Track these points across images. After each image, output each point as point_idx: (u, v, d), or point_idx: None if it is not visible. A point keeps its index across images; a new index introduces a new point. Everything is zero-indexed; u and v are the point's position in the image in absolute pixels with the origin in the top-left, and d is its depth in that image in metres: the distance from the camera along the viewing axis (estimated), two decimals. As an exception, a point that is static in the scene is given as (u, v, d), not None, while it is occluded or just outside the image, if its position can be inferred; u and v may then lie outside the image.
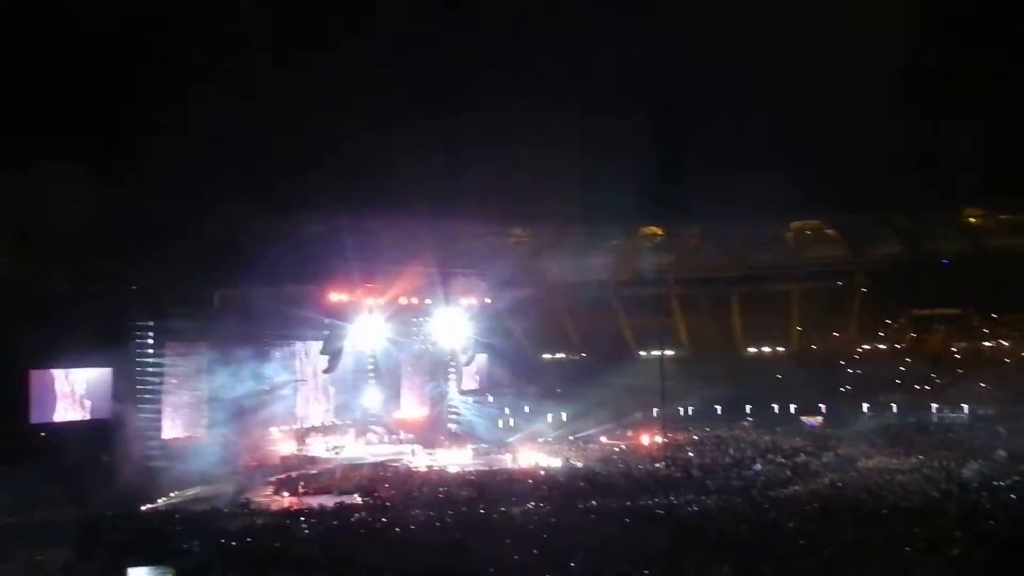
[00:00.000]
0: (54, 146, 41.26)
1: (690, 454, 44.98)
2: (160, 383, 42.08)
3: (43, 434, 39.29)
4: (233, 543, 24.59)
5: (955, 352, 64.85)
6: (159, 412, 41.90)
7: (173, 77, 46.19)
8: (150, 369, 41.63)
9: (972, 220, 61.90)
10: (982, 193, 56.65)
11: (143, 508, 33.56)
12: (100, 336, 38.96)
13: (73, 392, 40.65)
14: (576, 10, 52.24)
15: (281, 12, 48.57)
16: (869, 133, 55.40)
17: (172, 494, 36.40)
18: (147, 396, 41.21)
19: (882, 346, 68.07)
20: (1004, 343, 64.53)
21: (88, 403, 40.81)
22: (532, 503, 31.40)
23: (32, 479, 33.04)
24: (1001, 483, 33.46)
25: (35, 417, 39.32)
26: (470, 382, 59.92)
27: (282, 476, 40.84)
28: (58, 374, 40.36)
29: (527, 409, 59.20)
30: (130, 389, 40.77)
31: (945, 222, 62.39)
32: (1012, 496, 30.66)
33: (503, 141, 48.42)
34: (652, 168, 53.74)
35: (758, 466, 39.94)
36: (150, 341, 41.81)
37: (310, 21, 49.81)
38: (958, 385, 59.17)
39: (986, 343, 65.11)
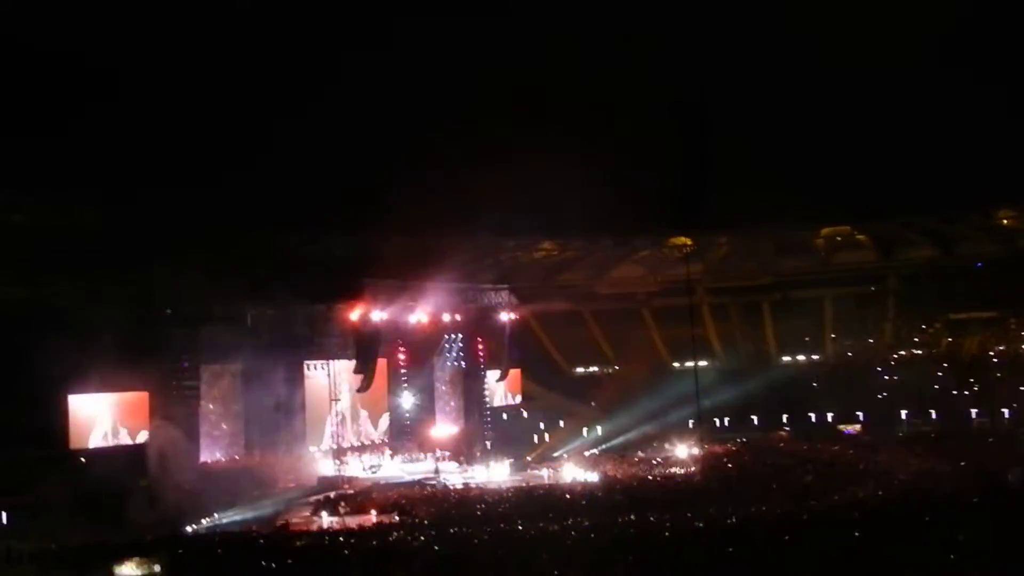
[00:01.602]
0: (84, 168, 41.70)
1: (728, 464, 44.69)
2: (196, 405, 42.39)
3: (82, 459, 39.61)
4: (273, 565, 24.60)
5: (992, 356, 64.05)
6: (196, 434, 42.15)
7: (204, 96, 46.63)
8: (186, 392, 41.93)
9: (1005, 222, 61.21)
10: (1014, 193, 55.92)
11: (182, 531, 33.66)
12: (136, 360, 39.38)
13: (110, 417, 40.98)
14: (605, 17, 52.19)
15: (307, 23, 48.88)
16: (897, 136, 55.03)
17: (211, 517, 36.51)
18: (184, 419, 41.46)
19: (918, 351, 67.36)
20: (1042, 345, 63.78)
21: (125, 428, 41.13)
22: (570, 518, 31.24)
23: (71, 504, 33.33)
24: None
25: (74, 442, 39.66)
26: (504, 397, 59.89)
27: (319, 496, 40.87)
28: (95, 399, 40.69)
29: (562, 423, 59.06)
30: (167, 412, 41.03)
31: (977, 224, 61.75)
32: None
33: (532, 154, 48.34)
34: (681, 177, 53.60)
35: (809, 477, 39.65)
36: (185, 364, 42.11)
37: (339, 30, 50.09)
38: (997, 389, 58.47)
39: (1024, 346, 64.37)
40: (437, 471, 47.59)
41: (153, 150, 44.67)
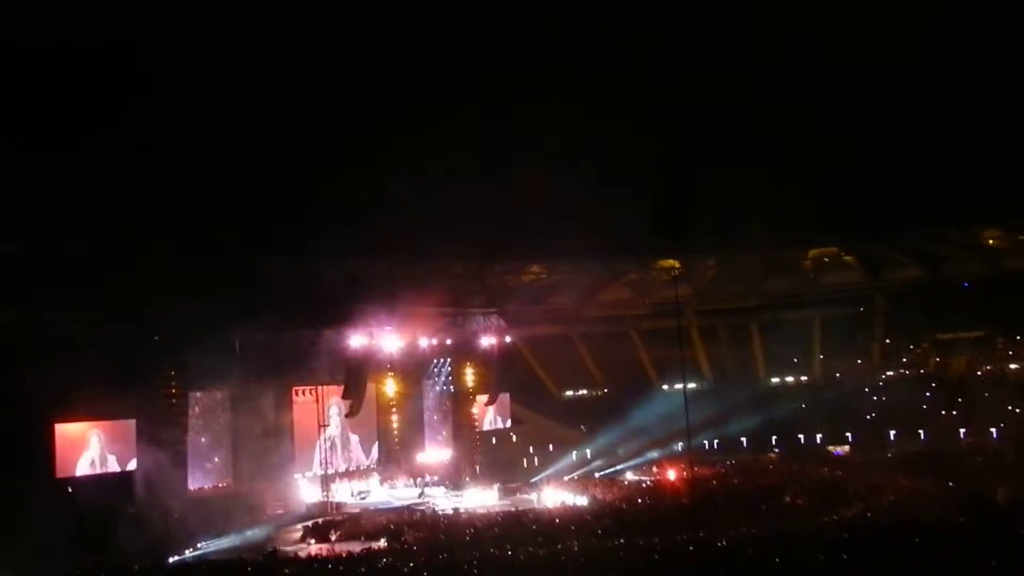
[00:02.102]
0: (66, 190, 41.58)
1: (717, 487, 44.69)
2: (184, 432, 42.23)
3: (68, 488, 39.39)
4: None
5: (980, 375, 64.31)
6: (184, 462, 41.99)
7: (187, 119, 46.59)
8: (174, 418, 41.78)
9: (991, 241, 61.52)
10: (1000, 213, 56.20)
11: (171, 560, 33.48)
12: (123, 387, 39.16)
13: (97, 445, 40.80)
14: (587, 40, 52.36)
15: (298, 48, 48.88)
16: (883, 155, 55.26)
17: (199, 544, 36.33)
18: (171, 446, 41.30)
19: (906, 371, 67.60)
20: (1029, 364, 64.09)
21: (113, 455, 40.95)
22: (559, 543, 31.19)
23: (57, 532, 33.08)
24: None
25: (60, 471, 39.46)
26: (493, 421, 59.81)
27: (308, 523, 40.72)
28: (82, 427, 40.52)
29: (551, 447, 58.99)
30: (154, 439, 40.87)
31: (963, 244, 62.05)
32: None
33: (517, 178, 48.44)
34: (667, 199, 53.70)
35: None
36: (172, 390, 42.00)
37: (329, 58, 50.10)
38: (985, 408, 58.64)
39: (1012, 365, 64.54)
40: (422, 495, 47.48)
41: (140, 173, 44.56)
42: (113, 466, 41.00)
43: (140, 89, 44.78)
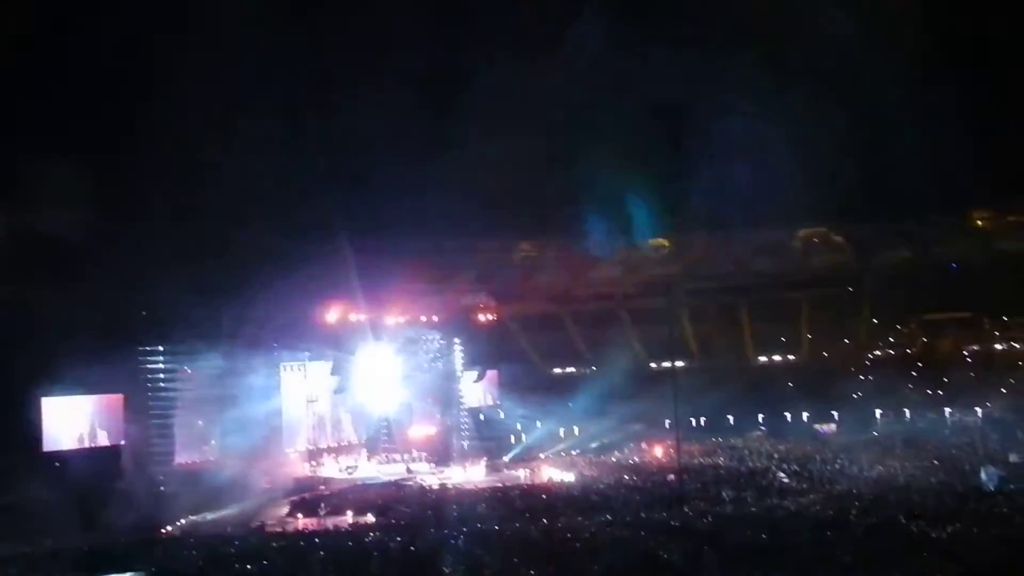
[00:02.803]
0: (58, 172, 41.41)
1: (704, 464, 44.86)
2: (172, 407, 42.19)
3: (56, 463, 39.32)
4: (248, 566, 24.55)
5: (967, 356, 64.57)
6: (172, 436, 41.97)
7: (177, 101, 46.39)
8: (161, 393, 41.75)
9: (979, 223, 61.71)
10: (989, 195, 56.39)
11: (157, 533, 33.50)
12: (111, 362, 39.05)
13: (85, 419, 40.73)
14: (578, 22, 52.25)
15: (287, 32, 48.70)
16: (873, 137, 55.37)
17: (186, 518, 36.36)
18: (159, 420, 41.32)
19: (893, 352, 67.83)
20: (1016, 345, 64.23)
21: (101, 429, 40.88)
22: (546, 519, 31.30)
23: (45, 507, 33.11)
24: (1017, 486, 33.30)
25: (48, 445, 39.39)
26: (481, 398, 59.85)
27: (296, 498, 40.77)
28: (70, 401, 40.43)
29: (539, 424, 59.04)
30: (142, 414, 40.87)
31: (952, 226, 62.23)
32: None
33: (509, 156, 48.43)
34: (658, 179, 53.86)
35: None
36: (160, 365, 41.94)
37: (315, 40, 49.93)
38: (971, 389, 58.87)
39: (998, 346, 64.82)
40: (408, 471, 47.50)
41: (128, 151, 44.44)
42: (101, 440, 40.92)
43: (125, 70, 44.71)
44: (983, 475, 34.81)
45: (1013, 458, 40.24)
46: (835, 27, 51.00)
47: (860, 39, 51.62)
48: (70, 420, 40.44)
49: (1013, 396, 57.00)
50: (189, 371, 43.90)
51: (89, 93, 44.53)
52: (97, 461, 39.37)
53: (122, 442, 40.83)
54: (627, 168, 53.64)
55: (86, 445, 40.50)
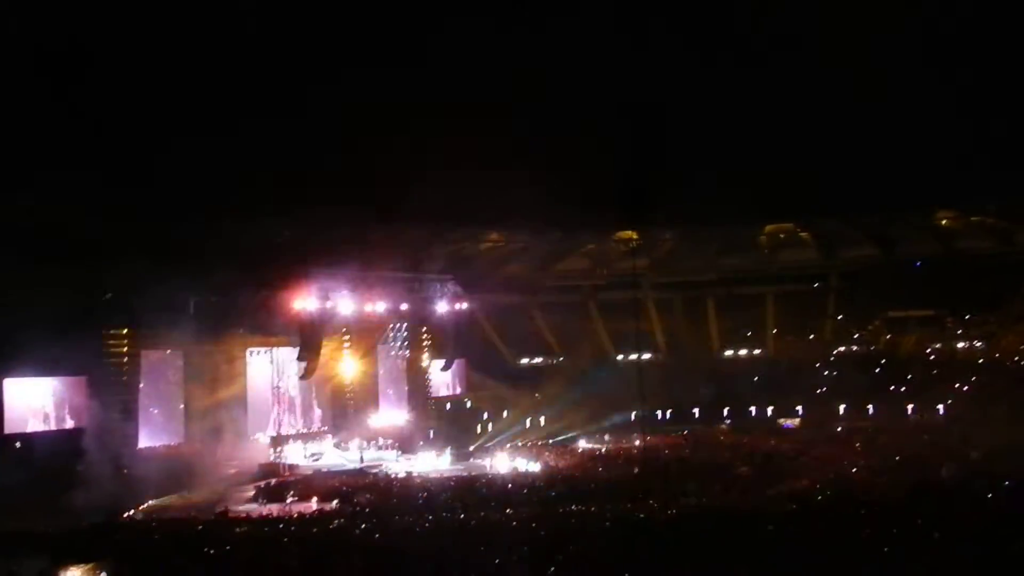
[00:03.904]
0: (23, 154, 40.99)
1: (669, 457, 45.10)
2: (135, 391, 41.93)
3: (17, 444, 38.99)
4: (211, 551, 24.44)
5: (929, 353, 65.26)
6: (135, 419, 41.72)
7: (144, 79, 46.07)
8: (125, 377, 41.44)
9: (943, 222, 62.35)
10: (953, 195, 56.88)
11: (119, 517, 33.31)
12: (74, 344, 38.77)
13: (48, 400, 40.39)
14: (553, 16, 52.27)
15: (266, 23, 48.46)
16: (841, 135, 55.73)
17: (149, 502, 36.18)
18: (122, 404, 41.02)
19: (857, 348, 68.43)
20: (977, 344, 64.99)
21: (63, 411, 40.56)
22: (511, 508, 31.38)
23: (6, 489, 32.79)
24: (976, 482, 33.71)
25: (9, 427, 39.05)
26: (448, 387, 59.93)
27: (260, 483, 40.65)
28: (32, 383, 40.08)
29: (505, 414, 59.21)
30: (105, 397, 40.55)
31: (917, 224, 62.80)
32: (988, 495, 30.87)
33: (476, 145, 48.34)
34: (626, 172, 53.98)
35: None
36: (124, 348, 41.63)
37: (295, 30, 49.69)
38: (932, 386, 59.54)
39: (959, 344, 65.55)
40: (362, 460, 47.36)
41: (92, 133, 43.99)
42: (64, 423, 40.60)
43: (101, 54, 44.34)
44: (944, 471, 35.26)
45: (974, 455, 40.72)
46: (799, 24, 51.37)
47: (828, 36, 51.92)
48: (32, 402, 40.10)
49: (974, 393, 57.75)
50: (153, 355, 43.64)
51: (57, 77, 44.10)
52: (59, 443, 39.06)
53: (84, 425, 40.49)
54: (597, 159, 53.73)
55: (49, 427, 40.18)
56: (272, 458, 46.42)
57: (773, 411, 59.36)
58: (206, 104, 47.43)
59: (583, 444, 52.45)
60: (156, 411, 43.85)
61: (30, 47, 42.50)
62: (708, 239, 66.62)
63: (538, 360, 70.23)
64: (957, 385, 59.36)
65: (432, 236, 59.94)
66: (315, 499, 36.32)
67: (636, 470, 40.86)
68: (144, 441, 42.37)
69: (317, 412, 52.63)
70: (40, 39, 42.84)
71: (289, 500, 36.73)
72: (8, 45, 41.67)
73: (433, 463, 46.78)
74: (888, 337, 67.64)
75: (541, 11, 51.73)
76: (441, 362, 57.27)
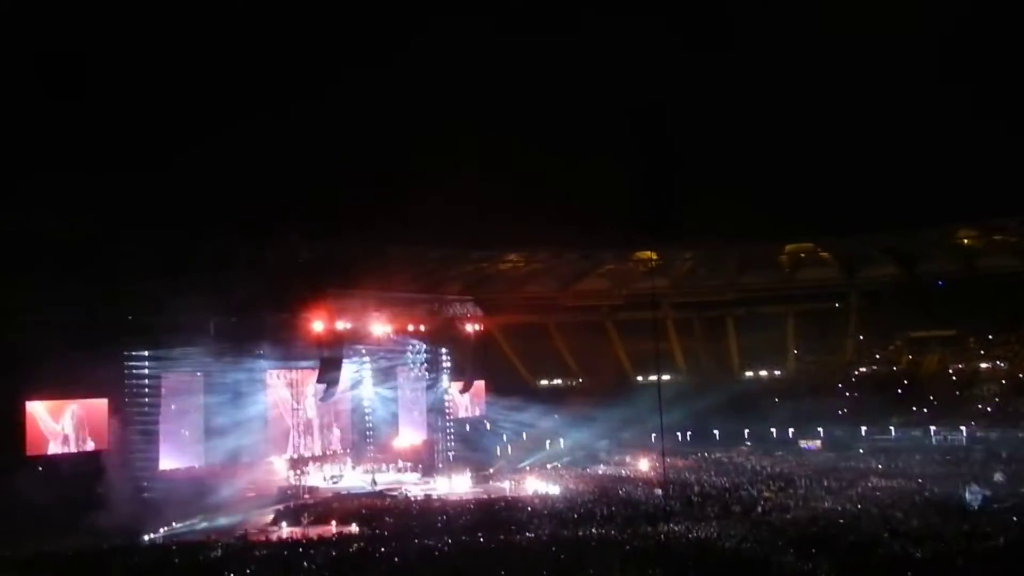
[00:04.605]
0: (45, 173, 41.22)
1: (689, 479, 44.86)
2: (156, 413, 41.98)
3: (39, 467, 39.11)
4: (231, 574, 24.44)
5: (952, 374, 64.81)
6: (156, 441, 41.78)
7: (167, 96, 46.33)
8: (146, 399, 41.54)
9: (965, 241, 61.96)
10: (975, 213, 56.55)
11: (140, 540, 33.36)
12: (96, 367, 38.85)
13: (69, 423, 40.51)
14: (567, 37, 52.39)
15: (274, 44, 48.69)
16: (862, 154, 55.57)
17: (169, 525, 36.20)
18: (143, 426, 41.10)
19: (878, 368, 68.03)
20: (1000, 364, 64.48)
21: (84, 434, 40.67)
22: (531, 531, 31.26)
23: (27, 512, 32.88)
24: (1000, 505, 33.42)
25: (31, 449, 39.18)
26: (467, 409, 59.82)
27: (280, 506, 40.65)
28: (54, 405, 40.23)
29: (524, 436, 59.08)
30: (126, 419, 40.65)
31: (938, 243, 62.44)
32: (1013, 518, 30.59)
33: (498, 167, 48.45)
34: (646, 192, 53.96)
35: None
36: (146, 371, 41.75)
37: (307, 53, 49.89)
38: (955, 407, 59.17)
39: (982, 364, 65.05)
40: (374, 483, 47.21)
41: (116, 152, 44.23)
42: (85, 444, 40.71)
43: (121, 70, 44.63)
44: (967, 494, 34.94)
45: (997, 477, 40.40)
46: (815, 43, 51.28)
47: (843, 55, 51.85)
48: (54, 424, 40.23)
49: (997, 414, 57.33)
50: (174, 377, 43.76)
51: (74, 92, 44.35)
52: (80, 466, 39.14)
53: (106, 447, 40.59)
54: (617, 180, 53.76)
55: (70, 449, 40.30)
56: (292, 480, 46.40)
57: (794, 432, 59.03)
58: (230, 125, 47.61)
59: (602, 466, 52.27)
60: (176, 433, 43.87)
61: (60, 63, 42.77)
62: (727, 258, 66.48)
63: (557, 381, 70.17)
64: (980, 406, 58.94)
65: (453, 257, 60.12)
66: (335, 522, 36.29)
67: (657, 492, 40.62)
68: (164, 463, 42.45)
69: (336, 434, 52.61)
70: (73, 56, 43.14)
71: (309, 523, 36.70)
72: (36, 63, 42.03)
73: (452, 485, 46.69)
74: (910, 357, 67.28)
75: (563, 29, 51.77)
76: (460, 383, 57.23)
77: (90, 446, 40.78)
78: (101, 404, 41.28)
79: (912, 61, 51.05)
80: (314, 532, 34.08)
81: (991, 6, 48.32)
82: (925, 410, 59.93)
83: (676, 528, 31.02)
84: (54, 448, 40.01)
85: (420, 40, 50.39)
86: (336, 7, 48.32)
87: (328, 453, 51.57)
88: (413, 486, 46.63)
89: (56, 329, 37.48)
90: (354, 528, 34.67)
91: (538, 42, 51.78)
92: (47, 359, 36.54)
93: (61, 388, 39.67)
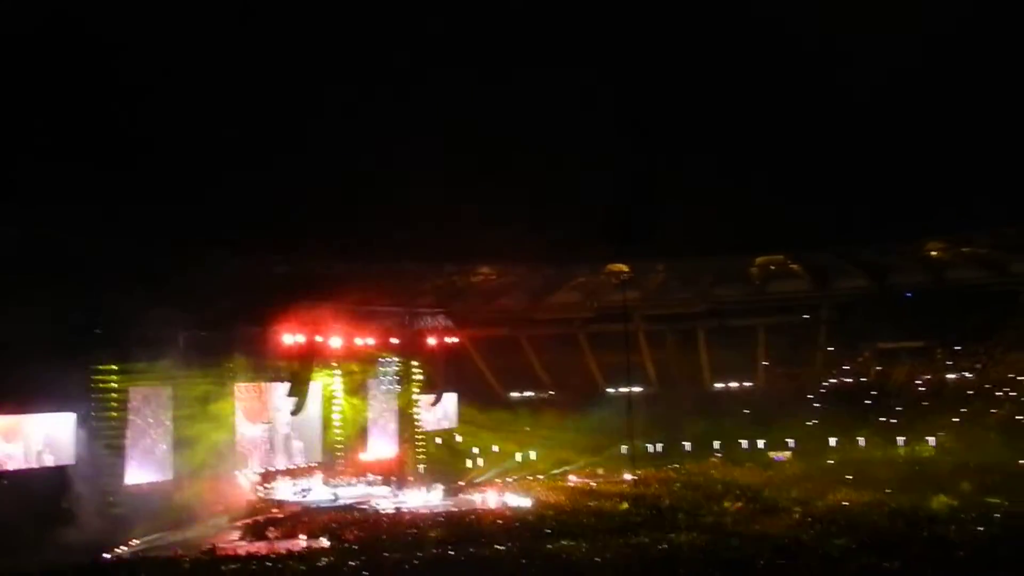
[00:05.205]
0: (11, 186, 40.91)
1: (659, 491, 44.95)
2: (123, 427, 41.54)
3: (3, 481, 38.64)
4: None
5: (920, 385, 65.26)
6: (123, 456, 41.37)
7: (137, 115, 46.07)
8: (113, 413, 41.09)
9: (934, 253, 62.49)
10: (943, 226, 57.08)
11: (105, 556, 33.02)
12: (62, 380, 38.40)
13: (35, 437, 40.03)
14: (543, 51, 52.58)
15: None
16: (832, 167, 55.97)
17: (135, 541, 35.87)
18: (110, 441, 40.64)
19: (848, 380, 68.37)
20: (967, 375, 64.99)
21: (50, 449, 40.19)
22: (501, 544, 31.19)
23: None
24: (967, 515, 33.65)
25: (-5, 464, 38.72)
26: (438, 422, 59.71)
27: (248, 521, 40.35)
28: (17, 419, 39.76)
29: (495, 448, 58.99)
30: (93, 434, 40.19)
31: (908, 255, 62.92)
32: (979, 528, 30.82)
33: (468, 180, 48.50)
34: (617, 204, 54.20)
35: None
36: (113, 385, 41.33)
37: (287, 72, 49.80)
38: (923, 418, 59.59)
39: (950, 375, 65.53)
40: (336, 498, 46.91)
41: (85, 164, 43.89)
42: (50, 460, 40.21)
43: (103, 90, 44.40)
44: (934, 504, 35.22)
45: (965, 486, 40.69)
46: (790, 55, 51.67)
47: (818, 67, 52.26)
48: (16, 439, 39.73)
49: (964, 425, 57.79)
50: (142, 391, 43.38)
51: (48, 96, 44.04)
52: (45, 481, 38.65)
53: (72, 462, 40.12)
54: (588, 192, 53.95)
55: (36, 464, 39.80)
56: (260, 494, 46.08)
57: (764, 444, 59.26)
58: (202, 139, 47.40)
59: (574, 478, 52.27)
60: (143, 447, 43.46)
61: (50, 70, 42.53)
62: (699, 270, 66.68)
63: (529, 394, 70.02)
64: (948, 417, 59.39)
65: (425, 271, 60.03)
66: (304, 536, 36.06)
67: (627, 505, 40.67)
68: (131, 477, 42.02)
69: (305, 447, 52.23)
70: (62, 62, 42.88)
71: (277, 537, 36.45)
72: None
73: (423, 498, 46.50)
74: (879, 368, 67.64)
75: (529, 49, 51.98)
76: (431, 396, 57.10)
77: (56, 461, 40.29)
78: (68, 419, 40.82)
79: (882, 75, 51.47)
80: (283, 546, 33.85)
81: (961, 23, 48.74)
82: (893, 421, 60.31)
83: (645, 539, 31.06)
84: (19, 464, 39.50)
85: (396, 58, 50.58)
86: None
87: (297, 467, 51.22)
88: (383, 499, 46.40)
89: (20, 343, 37.06)
90: (323, 542, 34.45)
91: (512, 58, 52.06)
92: (10, 373, 36.15)
93: (25, 403, 39.17)
